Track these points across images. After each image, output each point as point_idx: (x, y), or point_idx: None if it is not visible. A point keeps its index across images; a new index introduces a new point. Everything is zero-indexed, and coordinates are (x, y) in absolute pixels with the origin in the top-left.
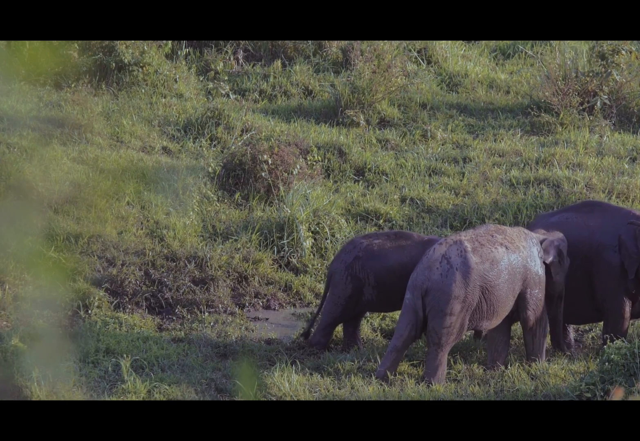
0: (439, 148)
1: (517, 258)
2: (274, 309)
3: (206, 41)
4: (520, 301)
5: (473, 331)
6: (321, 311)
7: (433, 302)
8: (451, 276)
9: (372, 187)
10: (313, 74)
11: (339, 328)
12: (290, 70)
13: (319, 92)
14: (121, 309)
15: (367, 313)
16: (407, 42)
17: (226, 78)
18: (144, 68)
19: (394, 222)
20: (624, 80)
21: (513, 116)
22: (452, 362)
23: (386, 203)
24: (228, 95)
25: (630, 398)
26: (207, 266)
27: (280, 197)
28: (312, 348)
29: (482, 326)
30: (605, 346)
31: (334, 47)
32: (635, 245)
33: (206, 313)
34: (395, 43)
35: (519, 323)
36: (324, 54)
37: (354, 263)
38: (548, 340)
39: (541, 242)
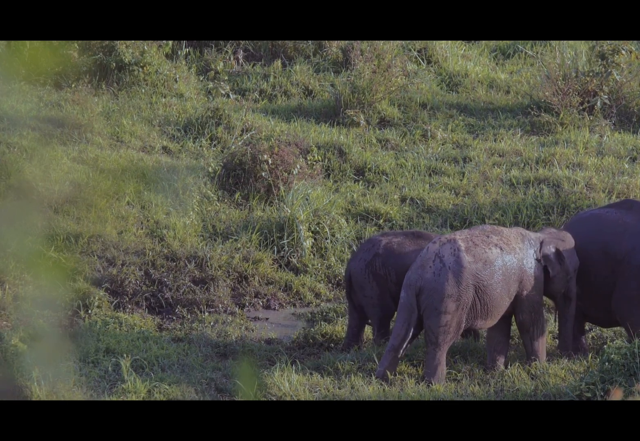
0: (439, 148)
1: (512, 260)
2: (274, 309)
3: (206, 41)
4: (516, 303)
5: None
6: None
7: (427, 300)
8: (444, 275)
9: (372, 187)
10: (313, 73)
11: (338, 329)
12: (290, 70)
13: (319, 92)
14: (121, 309)
15: None
16: (407, 42)
17: (226, 78)
18: (144, 68)
19: (394, 222)
20: (624, 80)
21: (513, 116)
22: (452, 362)
23: (386, 203)
24: (228, 95)
25: (630, 398)
26: (207, 266)
27: (280, 197)
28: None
29: (477, 325)
30: (605, 346)
31: (334, 47)
32: None
33: (206, 313)
34: (395, 43)
35: None
36: (324, 53)
37: (373, 260)
38: (550, 340)
39: (541, 243)
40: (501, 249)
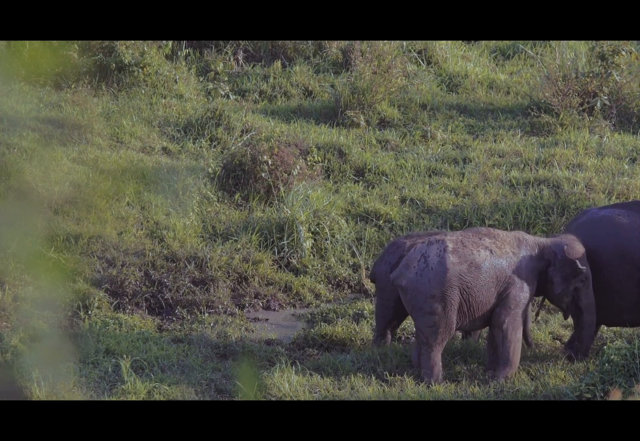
0: (439, 149)
1: (501, 263)
2: (274, 310)
3: (206, 41)
4: (500, 302)
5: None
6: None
7: (412, 301)
8: (426, 275)
9: (372, 188)
10: (313, 74)
11: (338, 330)
12: (290, 71)
13: (319, 92)
14: (121, 310)
15: (367, 314)
16: (407, 42)
17: (226, 78)
18: (144, 69)
19: (393, 222)
20: (624, 80)
21: (513, 117)
22: (452, 363)
23: (386, 203)
24: (228, 96)
25: (630, 399)
26: (207, 267)
27: (280, 198)
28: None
29: (468, 327)
30: (605, 347)
31: (334, 47)
32: None
33: (206, 314)
34: (395, 43)
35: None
36: (324, 54)
37: (399, 263)
38: (550, 341)
39: (543, 249)
40: (491, 252)
